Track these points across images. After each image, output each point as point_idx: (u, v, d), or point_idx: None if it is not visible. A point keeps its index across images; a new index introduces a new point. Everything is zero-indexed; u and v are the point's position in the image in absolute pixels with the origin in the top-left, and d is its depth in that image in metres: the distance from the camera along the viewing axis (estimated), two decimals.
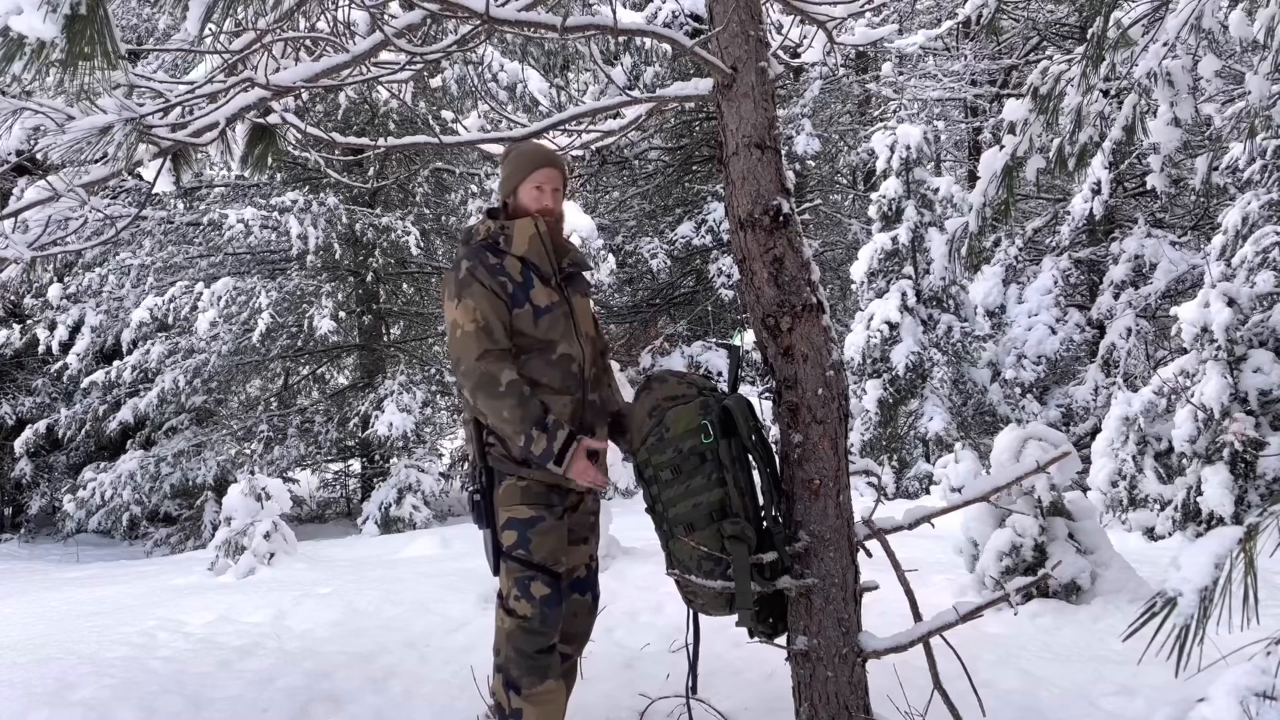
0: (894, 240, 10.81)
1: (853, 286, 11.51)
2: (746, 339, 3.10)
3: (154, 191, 3.41)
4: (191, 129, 3.10)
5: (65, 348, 12.56)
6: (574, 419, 2.90)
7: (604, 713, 3.37)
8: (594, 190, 16.30)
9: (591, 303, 3.18)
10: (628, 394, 3.89)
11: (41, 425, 13.09)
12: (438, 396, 13.11)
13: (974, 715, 2.79)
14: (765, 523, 2.74)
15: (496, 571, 2.91)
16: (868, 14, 3.99)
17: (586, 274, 3.14)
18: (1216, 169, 9.58)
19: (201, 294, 11.61)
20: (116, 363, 12.40)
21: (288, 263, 12.30)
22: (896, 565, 2.77)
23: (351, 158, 11.42)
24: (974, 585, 4.70)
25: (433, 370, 13.17)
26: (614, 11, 2.79)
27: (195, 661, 4.13)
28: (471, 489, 2.93)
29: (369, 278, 12.51)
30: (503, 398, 2.74)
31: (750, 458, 2.73)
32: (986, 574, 4.59)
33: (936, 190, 10.87)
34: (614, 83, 4.78)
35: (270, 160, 3.59)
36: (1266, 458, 6.18)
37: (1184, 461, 6.55)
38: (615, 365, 7.61)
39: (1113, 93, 5.15)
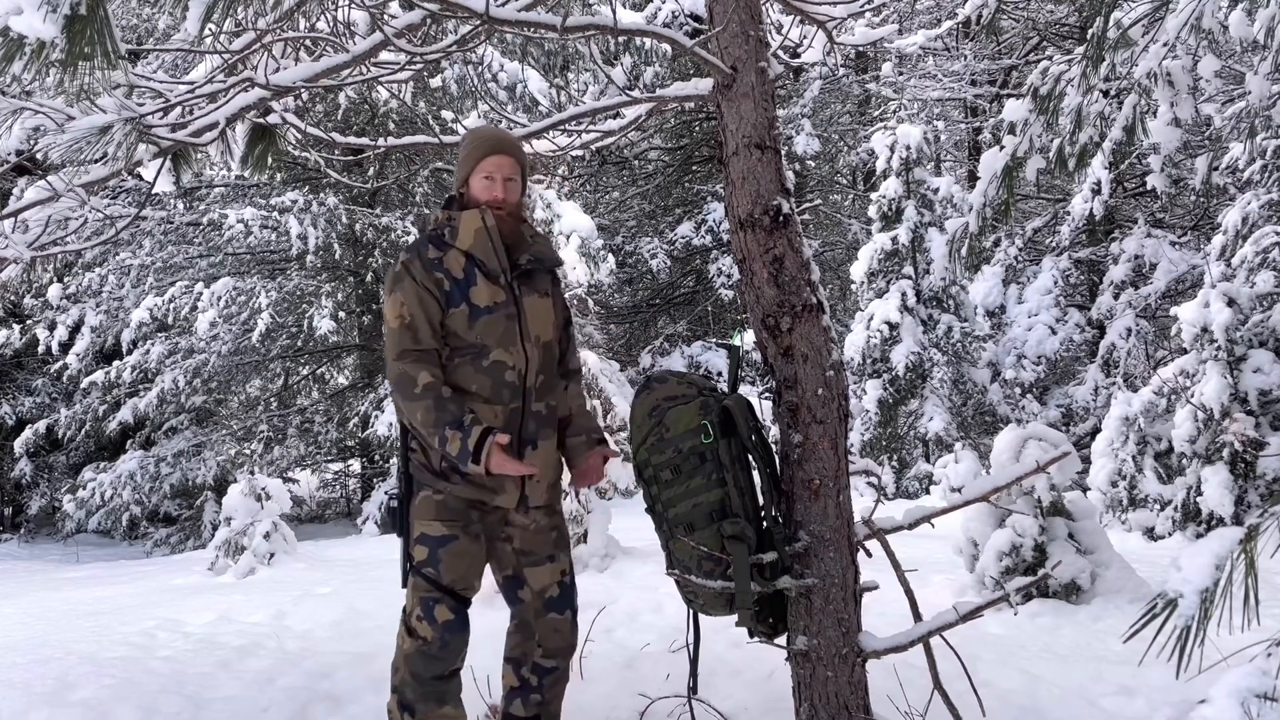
0: (894, 240, 10.82)
1: (853, 286, 11.52)
2: (746, 339, 3.07)
3: (154, 191, 3.41)
4: (191, 129, 3.10)
5: (65, 348, 12.58)
6: (507, 430, 2.75)
7: (604, 713, 3.37)
8: (594, 190, 16.31)
9: (561, 301, 2.98)
10: (627, 394, 3.85)
11: (41, 425, 13.11)
12: None
13: (974, 715, 2.79)
14: (765, 523, 2.73)
15: (405, 584, 2.80)
16: (868, 14, 3.99)
17: (561, 270, 2.98)
18: (1216, 169, 9.59)
19: (201, 294, 11.62)
20: (116, 363, 12.42)
21: (288, 263, 12.31)
22: (896, 565, 2.77)
23: (351, 158, 11.42)
24: (974, 585, 4.70)
25: None
26: (614, 11, 2.78)
27: (195, 661, 4.13)
28: (389, 494, 2.85)
29: (369, 278, 12.51)
30: (418, 399, 2.66)
31: (750, 458, 2.72)
32: (986, 574, 4.59)
33: (936, 190, 10.87)
34: (614, 83, 4.77)
35: (270, 160, 3.59)
36: (1266, 458, 6.18)
37: (1184, 461, 6.55)
38: (615, 365, 7.58)
39: (1113, 93, 5.15)
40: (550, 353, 2.89)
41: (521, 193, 2.89)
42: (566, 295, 3.19)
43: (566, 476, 3.05)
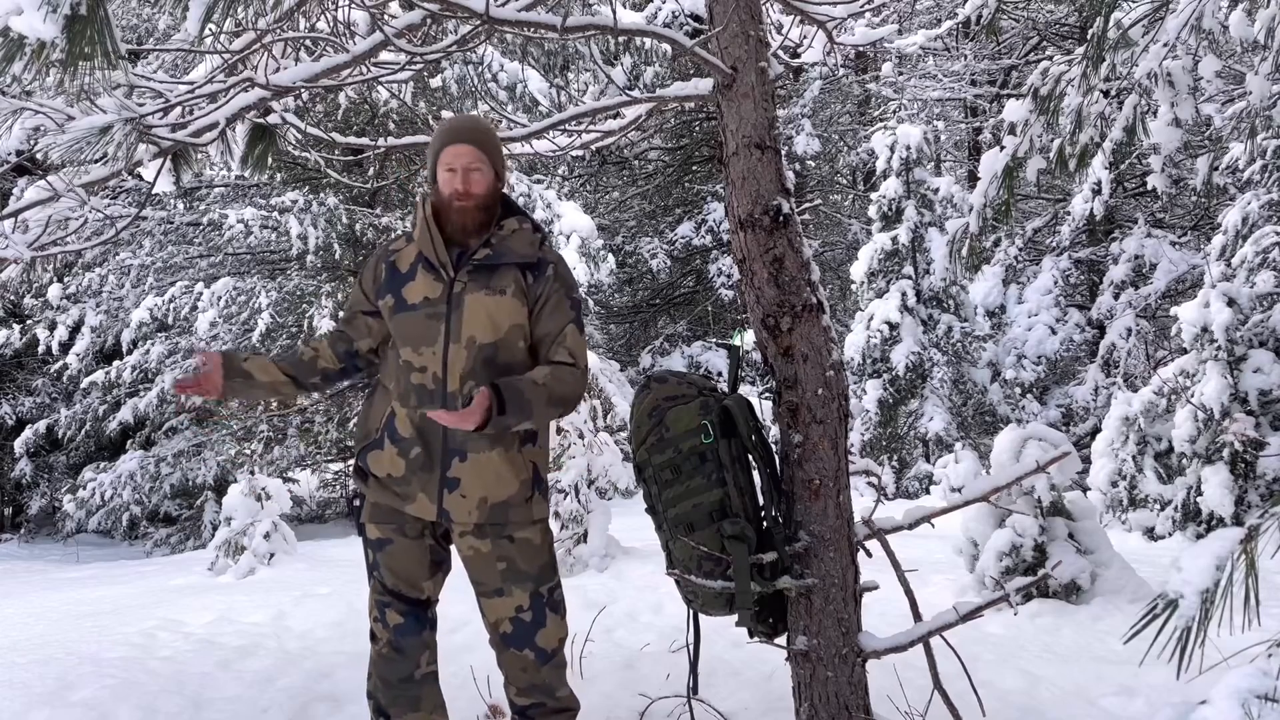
0: (894, 240, 10.82)
1: (853, 286, 11.54)
2: (746, 339, 3.05)
3: (154, 191, 3.41)
4: (191, 129, 3.10)
5: (65, 348, 12.57)
6: (418, 435, 2.61)
7: (604, 713, 3.36)
8: (594, 190, 16.32)
9: (550, 299, 2.67)
10: (628, 394, 3.83)
11: (41, 425, 13.12)
12: None
13: (974, 715, 2.79)
14: (765, 523, 2.73)
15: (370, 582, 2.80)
16: (868, 14, 3.99)
17: (546, 268, 2.67)
18: (1217, 169, 9.59)
19: (201, 294, 11.61)
20: (116, 363, 12.41)
21: (288, 263, 12.30)
22: (896, 565, 2.77)
23: (351, 158, 11.42)
24: (974, 585, 4.71)
25: None
26: (614, 11, 2.78)
27: (195, 661, 4.13)
28: (352, 493, 2.87)
29: None
30: None
31: (750, 458, 2.71)
32: (986, 574, 4.59)
33: (936, 190, 10.89)
34: (614, 83, 4.78)
35: (270, 160, 3.58)
36: (1266, 458, 6.19)
37: (1184, 461, 6.56)
38: (615, 365, 7.56)
39: (1113, 93, 5.15)
40: (490, 356, 2.61)
41: (492, 181, 2.68)
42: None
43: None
